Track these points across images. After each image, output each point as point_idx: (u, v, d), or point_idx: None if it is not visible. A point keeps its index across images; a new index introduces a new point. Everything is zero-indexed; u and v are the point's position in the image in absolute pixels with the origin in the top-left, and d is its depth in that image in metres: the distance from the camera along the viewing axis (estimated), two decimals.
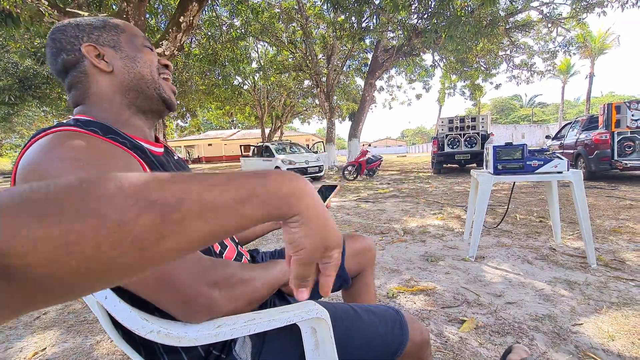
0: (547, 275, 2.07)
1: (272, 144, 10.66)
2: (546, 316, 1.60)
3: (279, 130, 24.62)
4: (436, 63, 15.25)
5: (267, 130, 22.81)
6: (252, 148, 11.41)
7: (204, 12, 9.07)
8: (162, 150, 0.74)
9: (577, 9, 10.02)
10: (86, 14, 4.96)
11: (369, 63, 14.06)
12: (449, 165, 10.35)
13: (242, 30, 10.82)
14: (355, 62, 16.57)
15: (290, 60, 15.08)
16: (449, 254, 2.58)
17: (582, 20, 11.10)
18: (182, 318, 0.54)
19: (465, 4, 8.07)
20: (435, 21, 7.15)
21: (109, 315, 0.58)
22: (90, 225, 0.22)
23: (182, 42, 5.28)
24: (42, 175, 0.48)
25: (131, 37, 0.70)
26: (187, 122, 26.64)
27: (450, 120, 9.73)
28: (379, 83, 16.24)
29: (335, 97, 15.78)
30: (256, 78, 16.27)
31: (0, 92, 11.92)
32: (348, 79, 17.64)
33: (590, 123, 7.05)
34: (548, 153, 2.22)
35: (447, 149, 9.51)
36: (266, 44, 15.22)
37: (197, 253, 0.56)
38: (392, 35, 12.73)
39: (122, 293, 0.54)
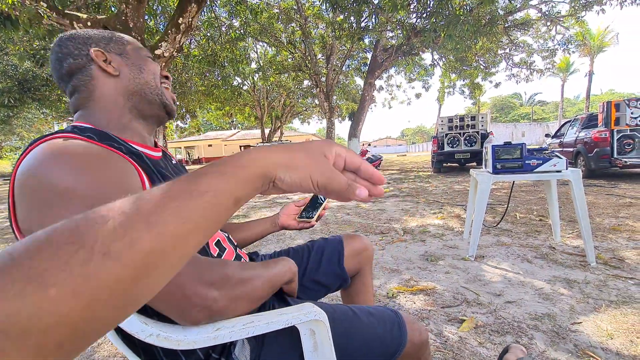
0: (546, 274, 2.08)
1: (272, 144, 10.67)
2: (545, 315, 1.60)
3: (279, 131, 24.64)
4: (435, 62, 15.25)
5: (266, 131, 22.83)
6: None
7: (202, 13, 9.08)
8: (159, 154, 0.75)
9: (576, 7, 10.01)
10: (85, 15, 4.97)
11: (368, 62, 14.06)
12: (448, 164, 10.35)
13: (241, 31, 10.82)
14: (355, 61, 16.58)
15: (289, 60, 15.08)
16: (449, 254, 2.59)
17: (581, 18, 11.09)
18: (181, 320, 0.54)
19: (464, 3, 8.07)
20: (434, 20, 7.16)
21: None
22: (47, 253, 0.22)
23: (181, 44, 5.29)
24: (40, 181, 0.48)
25: (137, 48, 0.75)
26: (187, 123, 26.68)
27: (450, 119, 9.73)
28: (378, 82, 16.24)
29: (334, 97, 15.79)
30: (255, 78, 16.30)
31: None
32: (347, 78, 17.65)
33: (590, 121, 7.05)
34: (547, 152, 2.22)
35: (446, 148, 9.51)
36: (265, 45, 15.21)
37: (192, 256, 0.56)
38: (391, 34, 12.72)
39: None
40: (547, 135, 9.13)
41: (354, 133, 13.56)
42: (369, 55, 14.74)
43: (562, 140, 7.91)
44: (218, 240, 0.76)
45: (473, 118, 9.50)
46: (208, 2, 8.20)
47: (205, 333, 0.53)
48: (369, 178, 0.39)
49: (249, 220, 1.11)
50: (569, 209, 3.77)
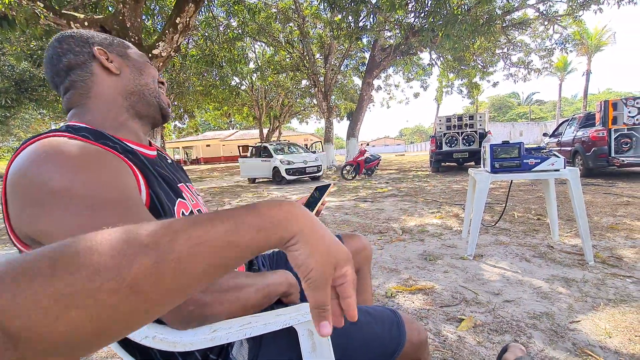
0: (544, 273, 2.08)
1: (271, 144, 10.65)
2: (544, 314, 1.60)
3: (277, 131, 24.61)
4: (433, 62, 15.26)
5: (265, 131, 22.79)
6: (250, 148, 11.38)
7: (200, 13, 9.06)
8: (155, 153, 0.74)
9: (574, 6, 10.05)
10: (82, 15, 4.94)
11: (367, 62, 14.07)
12: (447, 163, 10.37)
13: (239, 31, 10.80)
14: (353, 61, 16.58)
15: (287, 60, 15.07)
16: (448, 253, 2.59)
17: (578, 18, 11.13)
18: (173, 323, 0.54)
19: (462, 2, 8.07)
20: (432, 20, 7.16)
21: None
22: (83, 276, 0.22)
23: (178, 43, 5.27)
24: (31, 181, 0.48)
25: (137, 52, 0.76)
26: (185, 123, 26.61)
27: (448, 119, 9.74)
28: (376, 82, 16.25)
29: (333, 97, 15.79)
30: (254, 78, 16.26)
31: None
32: (346, 78, 17.63)
33: (588, 120, 7.07)
34: (545, 151, 2.23)
35: (445, 148, 9.53)
36: (263, 44, 15.20)
37: None
38: (389, 34, 12.73)
39: None
40: (545, 135, 9.16)
41: (352, 133, 13.56)
42: (367, 55, 14.74)
43: (560, 139, 7.93)
44: None
45: (471, 117, 9.52)
46: (206, 2, 8.19)
47: (202, 334, 0.52)
48: (345, 310, 0.37)
49: None
50: (567, 207, 3.78)
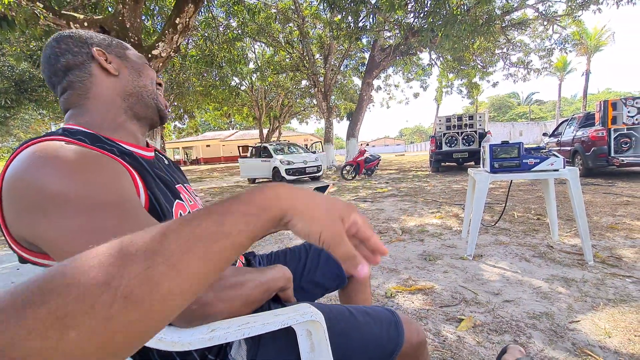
0: (544, 273, 2.08)
1: (270, 145, 10.65)
2: (543, 314, 1.60)
3: (277, 131, 24.61)
4: (433, 62, 15.26)
5: (265, 131, 22.79)
6: (250, 149, 11.38)
7: (200, 13, 9.06)
8: (152, 155, 0.74)
9: (573, 7, 10.05)
10: (81, 16, 4.94)
11: (366, 62, 14.07)
12: (447, 163, 10.37)
13: (239, 31, 10.81)
14: (353, 61, 16.58)
15: (287, 60, 15.07)
16: (447, 253, 2.59)
17: (577, 18, 11.14)
18: (178, 323, 0.54)
19: (461, 2, 8.07)
20: (432, 20, 7.16)
21: None
22: (74, 295, 0.22)
23: (178, 44, 5.27)
24: (28, 186, 0.47)
25: (135, 53, 0.76)
26: (184, 124, 26.62)
27: (448, 119, 9.74)
28: (376, 82, 16.25)
29: (332, 97, 15.79)
30: (253, 79, 16.27)
31: None
32: (345, 78, 17.64)
33: (587, 120, 7.08)
34: (544, 151, 2.23)
35: (444, 148, 9.53)
36: (263, 45, 15.20)
37: None
38: (388, 34, 12.74)
39: None
40: (544, 134, 9.16)
41: (352, 133, 13.56)
42: (367, 55, 14.75)
43: (559, 139, 7.94)
44: None
45: (471, 117, 9.52)
46: (205, 2, 8.19)
47: (200, 334, 0.52)
48: (374, 250, 0.39)
49: None
50: (567, 207, 3.78)
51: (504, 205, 2.99)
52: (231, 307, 0.57)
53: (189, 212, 0.70)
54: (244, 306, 0.59)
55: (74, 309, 0.21)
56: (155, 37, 5.48)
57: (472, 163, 9.55)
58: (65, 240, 0.46)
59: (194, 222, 0.30)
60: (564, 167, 2.14)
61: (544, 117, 50.48)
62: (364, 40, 14.25)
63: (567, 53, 14.26)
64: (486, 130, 9.40)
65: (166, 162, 0.81)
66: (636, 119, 5.73)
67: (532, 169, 2.18)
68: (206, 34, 10.15)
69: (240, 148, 12.72)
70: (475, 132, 9.34)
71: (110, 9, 6.77)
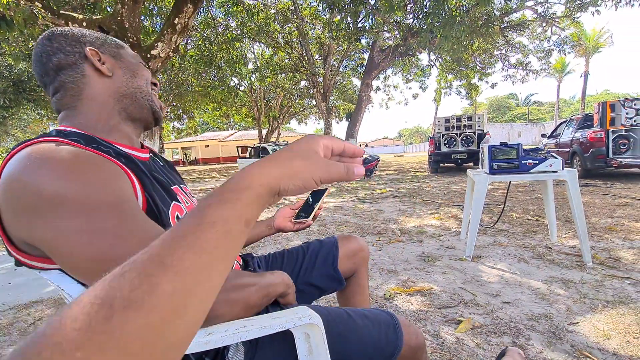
0: (543, 274, 2.08)
1: (269, 145, 10.66)
2: (542, 315, 1.60)
3: (276, 131, 24.61)
4: (432, 63, 15.28)
5: (264, 131, 22.79)
6: (249, 149, 11.39)
7: (199, 14, 9.05)
8: (148, 156, 0.74)
9: (571, 8, 10.08)
10: (80, 16, 4.93)
11: (365, 63, 14.07)
12: (445, 164, 10.38)
13: (238, 32, 10.80)
14: (352, 62, 16.58)
15: (286, 61, 15.07)
16: (446, 254, 2.59)
17: (576, 19, 11.17)
18: None
19: (460, 3, 8.07)
20: (431, 21, 7.16)
21: None
22: (71, 318, 0.22)
23: (177, 44, 5.26)
24: (25, 188, 0.47)
25: (130, 53, 0.74)
26: (183, 124, 26.60)
27: (447, 120, 9.75)
28: (375, 83, 16.28)
29: (332, 98, 15.80)
30: (253, 79, 16.24)
31: None
32: (344, 79, 17.64)
33: (586, 121, 7.09)
34: (543, 152, 2.23)
35: (443, 149, 9.53)
36: (262, 45, 15.20)
37: None
38: (388, 35, 12.75)
39: None
40: (543, 136, 9.17)
41: (351, 134, 13.56)
42: (366, 56, 14.76)
43: (558, 140, 7.95)
44: None
45: (470, 118, 9.53)
46: (204, 3, 8.19)
47: (197, 337, 0.52)
48: (352, 155, 0.43)
49: None
50: (565, 209, 3.78)
51: (502, 206, 2.99)
52: (232, 310, 0.57)
53: (186, 213, 0.70)
54: (243, 310, 0.59)
55: (74, 336, 0.21)
56: (154, 37, 5.47)
57: (471, 164, 9.55)
58: (65, 240, 0.46)
59: (175, 225, 0.29)
60: (563, 169, 2.14)
61: (542, 118, 50.63)
62: (363, 41, 14.27)
63: (565, 54, 14.29)
64: (485, 131, 9.41)
65: (161, 163, 0.80)
66: (634, 121, 5.75)
67: (531, 170, 2.18)
68: (205, 34, 10.15)
69: (239, 148, 12.70)
70: (474, 133, 9.35)
71: (109, 9, 6.76)
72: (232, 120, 28.29)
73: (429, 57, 14.78)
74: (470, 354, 1.35)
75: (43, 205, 0.46)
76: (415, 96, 20.97)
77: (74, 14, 4.92)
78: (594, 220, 3.29)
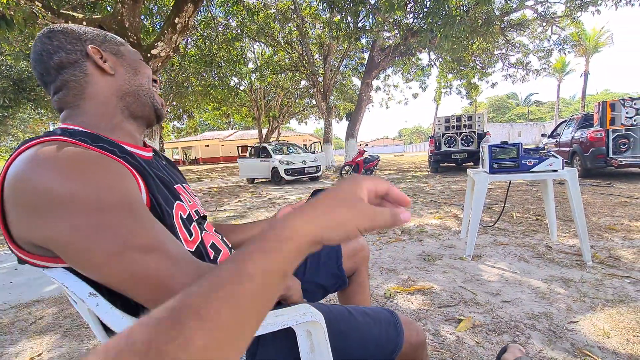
0: (543, 273, 2.09)
1: (270, 145, 10.64)
2: (542, 314, 1.60)
3: (276, 131, 24.59)
4: (432, 62, 15.29)
5: (264, 131, 22.78)
6: (249, 149, 11.37)
7: (199, 13, 9.05)
8: (151, 154, 0.74)
9: (572, 8, 10.08)
10: (80, 15, 4.93)
11: (366, 63, 14.07)
12: (446, 164, 10.38)
13: (238, 31, 10.80)
14: (352, 62, 16.58)
15: (286, 60, 15.06)
16: (446, 253, 2.59)
17: (576, 19, 11.17)
18: None
19: (461, 3, 8.07)
20: (431, 20, 7.16)
21: (100, 321, 0.58)
22: None
23: (177, 43, 5.26)
24: (33, 188, 0.47)
25: (130, 50, 0.74)
26: (183, 124, 26.59)
27: (447, 119, 9.76)
28: (375, 83, 16.26)
29: (332, 97, 15.79)
30: (253, 79, 16.24)
31: None
32: (345, 78, 17.64)
33: (586, 121, 7.09)
34: (543, 152, 2.23)
35: (444, 148, 9.53)
36: (262, 45, 15.20)
37: (192, 257, 0.56)
38: (388, 35, 12.74)
39: (115, 299, 0.54)
40: (543, 135, 9.18)
41: (351, 133, 13.56)
42: (366, 56, 14.76)
43: (558, 140, 7.95)
44: (213, 242, 0.75)
45: (470, 118, 9.53)
46: (204, 2, 8.19)
47: None
48: (396, 201, 0.39)
49: (246, 222, 1.10)
50: (565, 208, 3.78)
51: (502, 205, 3.00)
52: None
53: (189, 212, 0.70)
54: None
55: None
56: (154, 37, 5.47)
57: (471, 163, 9.55)
58: (81, 236, 0.46)
59: (215, 271, 0.29)
60: (563, 168, 2.14)
61: (542, 117, 50.62)
62: (363, 41, 14.26)
63: (565, 54, 14.30)
64: (485, 131, 9.41)
65: (164, 161, 0.80)
66: (634, 120, 5.75)
67: (531, 170, 2.18)
68: (205, 34, 10.15)
69: (239, 148, 12.69)
70: (474, 132, 9.35)
71: (109, 9, 6.76)
72: (232, 119, 28.29)
73: (429, 56, 14.79)
74: (471, 352, 1.36)
75: (52, 205, 0.46)
76: (415, 96, 20.97)
77: (74, 14, 4.92)
78: (594, 219, 3.29)
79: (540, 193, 4.96)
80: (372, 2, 8.36)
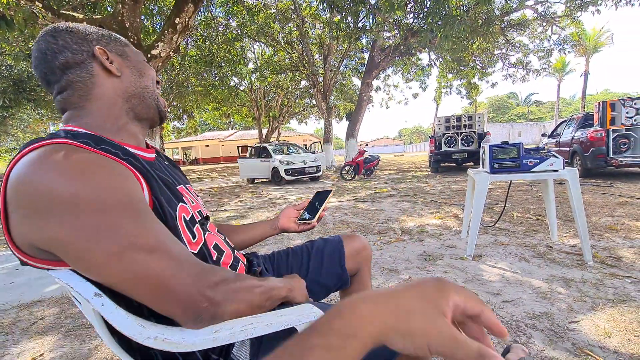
0: (544, 273, 2.09)
1: (270, 145, 10.64)
2: (543, 314, 1.61)
3: (277, 131, 24.60)
4: (432, 62, 15.30)
5: (264, 131, 22.78)
6: (249, 149, 11.37)
7: (199, 13, 9.06)
8: (153, 156, 0.74)
9: (572, 8, 10.09)
10: (81, 16, 4.94)
11: (366, 63, 14.08)
12: (446, 164, 10.38)
13: (238, 31, 10.80)
14: (352, 62, 16.60)
15: (286, 60, 15.07)
16: (447, 253, 2.59)
17: (576, 19, 11.17)
18: (184, 321, 0.53)
19: (461, 3, 8.08)
20: (431, 20, 7.17)
21: (105, 321, 0.58)
22: None
23: (177, 44, 5.27)
24: (37, 190, 0.47)
25: (135, 51, 0.74)
26: (184, 124, 26.61)
27: (447, 119, 9.76)
28: (375, 82, 16.26)
29: (332, 97, 15.80)
30: (253, 79, 16.24)
31: None
32: (345, 78, 17.65)
33: (586, 121, 7.10)
34: (543, 151, 2.23)
35: (444, 148, 9.54)
36: (262, 45, 15.20)
37: (195, 258, 0.56)
38: (388, 34, 12.75)
39: (118, 299, 0.54)
40: (543, 135, 9.18)
41: (351, 133, 13.56)
42: (366, 56, 14.77)
43: (558, 139, 7.96)
44: (216, 243, 0.75)
45: (470, 118, 9.53)
46: (205, 2, 8.19)
47: (204, 335, 0.52)
48: (489, 328, 0.31)
49: (248, 222, 1.10)
50: (566, 208, 3.79)
51: (503, 205, 3.00)
52: (238, 309, 0.57)
53: (192, 214, 0.70)
54: (249, 308, 0.59)
55: None
56: (155, 37, 5.47)
57: (472, 163, 9.56)
58: (82, 236, 0.47)
59: (275, 356, 0.28)
60: (563, 168, 2.15)
61: (542, 117, 50.60)
62: (364, 41, 14.27)
63: (565, 54, 14.31)
64: (485, 131, 9.41)
65: (166, 162, 0.80)
66: (634, 120, 5.75)
67: (532, 170, 2.18)
68: (205, 34, 10.16)
69: (240, 148, 12.69)
70: (475, 132, 9.36)
71: (109, 9, 6.76)
72: (232, 120, 28.30)
73: (429, 56, 14.80)
74: None
75: (56, 207, 0.47)
76: (415, 96, 20.97)
77: (75, 14, 4.93)
78: (595, 219, 3.30)
79: (540, 193, 4.96)
80: (372, 2, 8.36)
